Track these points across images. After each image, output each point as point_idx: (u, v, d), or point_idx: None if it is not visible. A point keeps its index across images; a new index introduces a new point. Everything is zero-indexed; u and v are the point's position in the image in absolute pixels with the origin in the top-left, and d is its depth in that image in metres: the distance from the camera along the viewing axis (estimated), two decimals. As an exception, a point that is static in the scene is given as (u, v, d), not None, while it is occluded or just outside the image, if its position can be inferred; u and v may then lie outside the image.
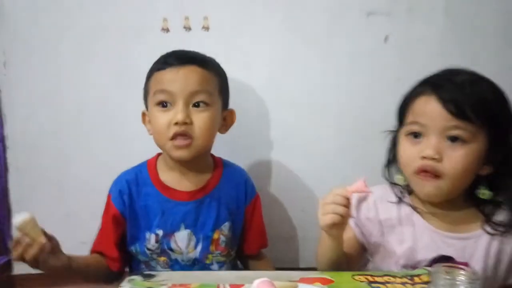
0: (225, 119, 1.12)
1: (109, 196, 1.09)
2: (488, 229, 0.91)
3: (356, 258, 0.99)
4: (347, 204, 0.85)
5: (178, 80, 1.02)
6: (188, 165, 1.08)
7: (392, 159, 0.98)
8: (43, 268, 0.92)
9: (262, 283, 0.73)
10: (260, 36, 1.32)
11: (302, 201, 1.37)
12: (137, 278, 0.87)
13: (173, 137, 1.02)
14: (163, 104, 1.03)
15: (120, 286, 0.83)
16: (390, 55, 1.31)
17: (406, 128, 0.91)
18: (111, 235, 1.07)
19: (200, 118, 1.02)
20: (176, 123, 1.01)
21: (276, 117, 1.35)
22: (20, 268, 1.41)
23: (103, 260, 1.07)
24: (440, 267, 0.71)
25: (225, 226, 1.11)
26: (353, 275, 0.86)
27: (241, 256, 1.21)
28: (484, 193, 0.89)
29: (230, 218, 1.11)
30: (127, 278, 0.87)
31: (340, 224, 0.85)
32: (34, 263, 0.89)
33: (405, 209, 0.96)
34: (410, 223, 0.95)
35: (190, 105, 1.03)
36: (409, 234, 0.94)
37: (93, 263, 1.06)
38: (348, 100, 1.34)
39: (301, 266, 1.42)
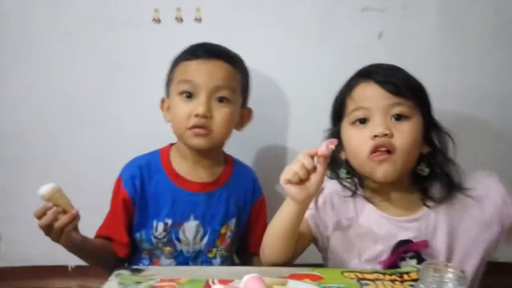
0: (242, 117, 1.13)
1: (119, 179, 1.08)
2: (429, 203, 0.95)
3: (300, 247, 0.98)
4: (313, 166, 0.83)
5: (204, 72, 1.04)
6: (201, 156, 1.09)
7: (334, 158, 0.98)
8: (64, 241, 0.91)
9: (252, 279, 0.73)
10: (253, 29, 1.30)
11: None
12: (124, 272, 0.86)
13: (192, 128, 1.03)
14: (186, 94, 1.04)
15: (108, 281, 0.83)
16: (384, 51, 1.30)
17: (350, 117, 0.95)
18: (121, 219, 1.06)
19: (220, 113, 1.04)
20: (197, 115, 1.02)
21: (268, 111, 1.33)
22: (3, 261, 1.40)
23: (109, 245, 1.07)
24: (428, 265, 0.71)
25: (232, 222, 1.11)
26: (343, 272, 0.87)
27: (239, 253, 1.21)
28: (423, 169, 0.95)
29: (237, 215, 1.12)
30: (115, 273, 0.86)
31: (299, 186, 0.83)
32: (58, 233, 0.89)
33: (360, 202, 0.99)
34: (366, 215, 0.97)
35: (212, 99, 1.04)
36: (366, 227, 0.96)
37: (100, 247, 1.05)
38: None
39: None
